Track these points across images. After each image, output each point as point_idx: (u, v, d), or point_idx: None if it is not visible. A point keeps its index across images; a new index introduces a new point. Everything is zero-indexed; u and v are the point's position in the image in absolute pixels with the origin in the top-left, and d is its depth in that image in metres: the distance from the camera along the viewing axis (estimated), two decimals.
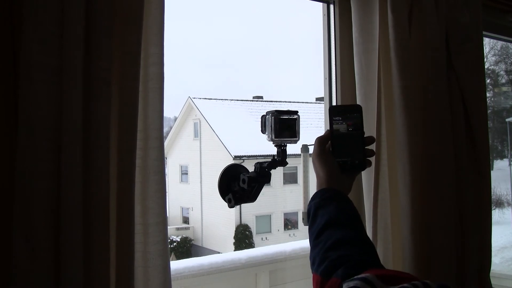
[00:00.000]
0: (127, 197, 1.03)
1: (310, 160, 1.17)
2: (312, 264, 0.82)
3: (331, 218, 0.87)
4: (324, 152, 1.00)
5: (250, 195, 1.16)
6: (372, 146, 1.06)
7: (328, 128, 1.02)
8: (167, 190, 2.56)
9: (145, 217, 1.10)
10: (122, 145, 1.03)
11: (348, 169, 1.00)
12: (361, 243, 0.84)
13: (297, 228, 17.08)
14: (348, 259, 0.76)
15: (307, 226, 0.93)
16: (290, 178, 16.83)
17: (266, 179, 1.17)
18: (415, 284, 0.64)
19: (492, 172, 1.86)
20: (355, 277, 0.69)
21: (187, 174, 18.76)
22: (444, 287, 0.63)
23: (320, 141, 1.01)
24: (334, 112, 1.02)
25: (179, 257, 14.34)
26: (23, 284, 0.89)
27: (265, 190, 1.21)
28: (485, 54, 1.92)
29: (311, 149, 1.07)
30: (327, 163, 0.98)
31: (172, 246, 15.35)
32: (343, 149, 1.00)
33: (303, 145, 1.55)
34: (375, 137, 1.06)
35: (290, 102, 19.34)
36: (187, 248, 16.45)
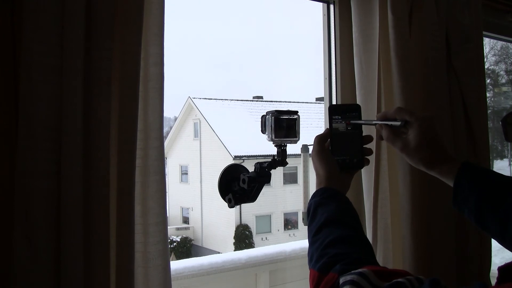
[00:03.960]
0: (127, 197, 1.03)
1: (310, 160, 1.17)
2: (310, 260, 0.83)
3: (330, 216, 0.87)
4: (324, 150, 1.01)
5: (250, 195, 1.16)
6: (372, 145, 1.07)
7: (328, 126, 1.03)
8: (167, 190, 2.57)
9: (145, 217, 1.10)
10: (122, 145, 1.03)
11: (346, 167, 1.01)
12: (360, 243, 0.84)
13: (297, 228, 17.08)
14: (346, 257, 0.76)
15: (307, 226, 0.94)
16: (290, 178, 16.84)
17: (266, 179, 1.17)
18: (409, 279, 0.66)
19: None
20: (352, 271, 0.69)
21: (187, 174, 18.76)
22: (435, 281, 0.64)
23: (320, 139, 1.02)
24: (333, 111, 1.03)
25: (179, 257, 14.35)
26: (24, 284, 0.89)
27: (265, 190, 1.21)
28: (485, 54, 1.92)
29: (311, 149, 1.07)
30: (327, 161, 0.99)
31: (172, 246, 15.35)
32: (342, 147, 1.01)
33: (303, 145, 1.55)
34: (373, 136, 1.07)
35: (290, 102, 19.35)
36: (187, 248, 16.46)
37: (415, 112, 0.97)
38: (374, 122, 1.03)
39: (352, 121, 1.02)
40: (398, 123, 0.96)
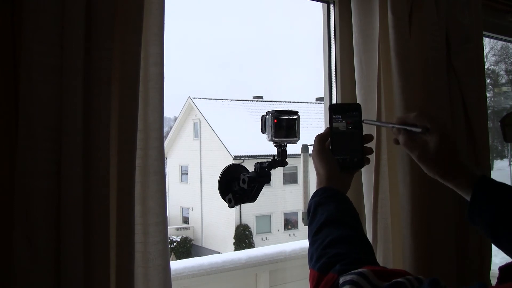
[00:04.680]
0: (127, 197, 1.03)
1: (310, 160, 1.17)
2: (310, 260, 0.83)
3: (330, 216, 0.87)
4: (324, 150, 1.01)
5: (250, 195, 1.16)
6: (372, 145, 1.07)
7: (328, 126, 1.03)
8: (167, 190, 2.57)
9: (145, 217, 1.10)
10: (122, 145, 1.03)
11: (347, 166, 1.01)
12: (360, 243, 0.84)
13: (297, 228, 17.08)
14: (346, 257, 0.77)
15: (307, 226, 0.94)
16: (290, 178, 16.84)
17: (266, 179, 1.17)
18: (408, 279, 0.66)
19: (492, 172, 1.86)
20: (352, 271, 0.69)
21: (187, 174, 18.76)
22: (435, 281, 0.64)
23: (320, 138, 1.02)
24: (334, 110, 1.03)
25: (179, 257, 14.35)
26: (24, 284, 0.89)
27: (265, 190, 1.21)
28: (485, 54, 1.92)
29: (311, 149, 1.07)
30: (327, 161, 0.99)
31: (172, 246, 15.35)
32: (342, 146, 1.01)
33: (303, 145, 1.55)
34: (373, 136, 1.07)
35: (290, 102, 19.35)
36: (187, 248, 16.46)
37: (435, 118, 0.94)
38: (391, 125, 1.00)
39: (366, 121, 1.01)
40: (418, 130, 0.93)
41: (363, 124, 1.03)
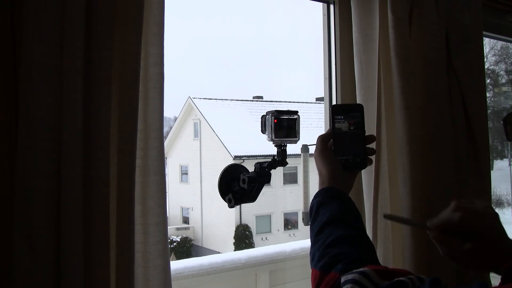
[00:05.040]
0: (127, 197, 1.03)
1: (310, 160, 1.17)
2: (312, 259, 0.83)
3: (332, 216, 0.87)
4: (327, 150, 1.01)
5: (250, 195, 1.16)
6: (372, 146, 1.07)
7: (330, 126, 1.03)
8: (167, 190, 2.57)
9: (145, 217, 1.10)
10: (122, 145, 1.03)
11: (349, 167, 1.01)
12: (361, 243, 0.84)
13: (297, 228, 17.08)
14: (348, 256, 0.77)
15: (308, 226, 0.94)
16: (290, 178, 16.83)
17: (266, 179, 1.17)
18: (410, 278, 0.66)
19: (492, 172, 1.86)
20: (354, 270, 0.69)
21: (187, 174, 18.76)
22: (436, 281, 0.64)
23: (323, 139, 1.02)
24: (336, 111, 1.03)
25: (179, 257, 14.34)
26: (24, 284, 0.89)
27: (265, 190, 1.21)
28: (485, 54, 1.92)
29: (311, 149, 1.07)
30: (330, 161, 0.99)
31: (172, 246, 15.35)
32: (344, 147, 1.01)
33: (303, 145, 1.55)
34: (375, 136, 1.06)
35: (290, 102, 19.34)
36: (187, 248, 16.45)
37: (485, 214, 0.79)
38: (427, 228, 0.82)
39: (386, 216, 0.93)
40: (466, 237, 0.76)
41: (365, 125, 1.03)
